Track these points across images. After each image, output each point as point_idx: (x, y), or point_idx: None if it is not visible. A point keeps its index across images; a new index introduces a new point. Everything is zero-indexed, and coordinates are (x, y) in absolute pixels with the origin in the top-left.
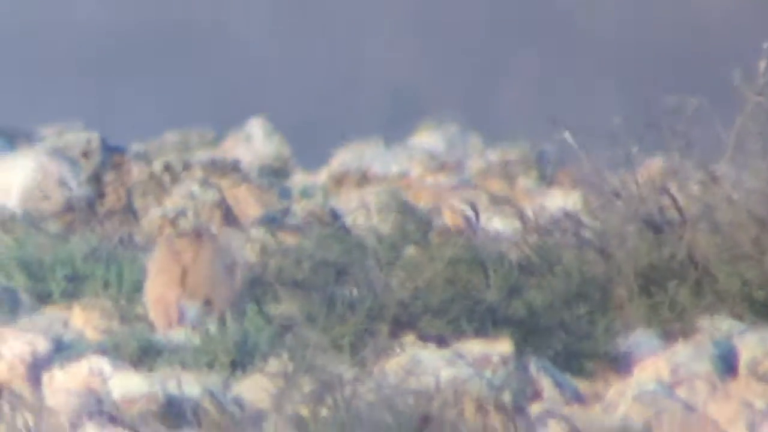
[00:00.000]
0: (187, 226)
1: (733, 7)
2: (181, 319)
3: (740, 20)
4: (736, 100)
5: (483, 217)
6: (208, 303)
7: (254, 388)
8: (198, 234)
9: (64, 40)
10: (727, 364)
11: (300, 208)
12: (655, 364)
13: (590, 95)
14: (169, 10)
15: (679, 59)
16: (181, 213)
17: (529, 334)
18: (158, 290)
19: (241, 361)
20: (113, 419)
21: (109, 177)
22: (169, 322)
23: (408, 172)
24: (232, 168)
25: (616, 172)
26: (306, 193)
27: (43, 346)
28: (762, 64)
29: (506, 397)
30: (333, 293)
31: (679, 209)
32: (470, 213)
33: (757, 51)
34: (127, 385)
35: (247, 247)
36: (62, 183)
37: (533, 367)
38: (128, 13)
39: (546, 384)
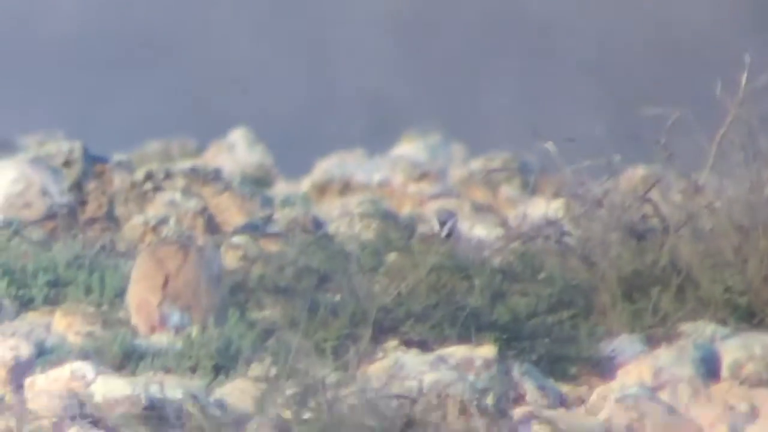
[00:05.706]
0: (171, 234)
1: (714, 19)
2: (163, 323)
3: (722, 32)
4: (717, 111)
5: (465, 225)
6: (188, 310)
7: (237, 392)
8: (183, 244)
9: (44, 49)
10: (710, 367)
11: (282, 217)
12: (638, 368)
13: (572, 104)
14: (151, 19)
15: (660, 70)
16: (163, 221)
17: (513, 339)
18: (141, 295)
19: (223, 365)
20: (95, 422)
21: (90, 186)
22: (151, 327)
23: (390, 180)
24: (214, 176)
25: (598, 181)
26: (288, 202)
27: (25, 350)
28: (743, 77)
29: (489, 400)
30: (316, 299)
31: (661, 217)
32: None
33: (739, 63)
34: (109, 388)
35: (229, 254)
36: (44, 191)
37: (516, 371)
38: (109, 21)
39: (529, 388)
